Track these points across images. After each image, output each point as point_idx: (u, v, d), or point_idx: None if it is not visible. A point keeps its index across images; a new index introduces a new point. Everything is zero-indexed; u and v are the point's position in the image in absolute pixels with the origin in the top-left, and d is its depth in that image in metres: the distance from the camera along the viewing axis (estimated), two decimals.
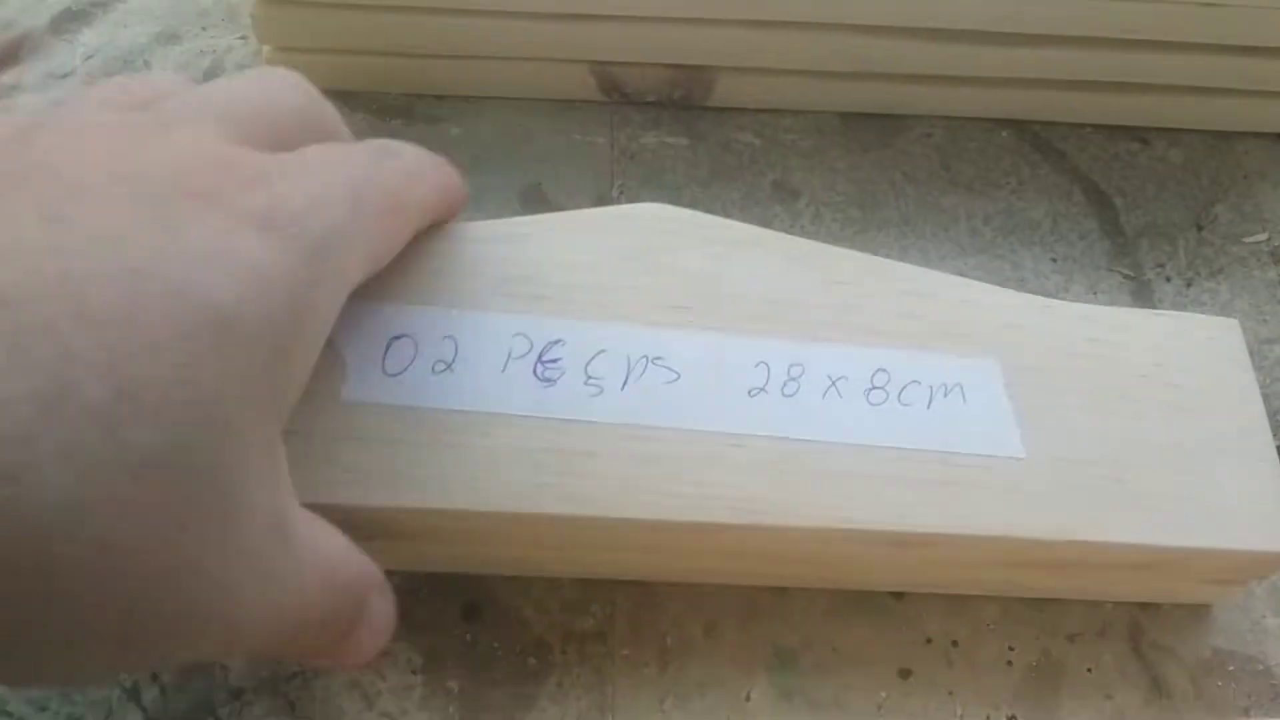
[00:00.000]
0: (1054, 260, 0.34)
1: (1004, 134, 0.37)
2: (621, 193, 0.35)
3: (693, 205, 0.33)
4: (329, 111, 0.24)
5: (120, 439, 0.15)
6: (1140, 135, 0.38)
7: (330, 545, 0.21)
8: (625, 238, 0.28)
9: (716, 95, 0.36)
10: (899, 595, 0.28)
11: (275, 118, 0.22)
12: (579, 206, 0.34)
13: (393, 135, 0.34)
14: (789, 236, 0.29)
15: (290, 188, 0.19)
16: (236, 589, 0.18)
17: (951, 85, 0.36)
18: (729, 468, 0.25)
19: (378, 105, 0.36)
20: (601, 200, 0.34)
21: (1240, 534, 0.26)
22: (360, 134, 0.34)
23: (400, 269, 0.25)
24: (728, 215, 0.34)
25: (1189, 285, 0.34)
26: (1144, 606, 0.29)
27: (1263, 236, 0.36)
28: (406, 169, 0.24)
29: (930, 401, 0.26)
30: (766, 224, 0.34)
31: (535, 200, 0.34)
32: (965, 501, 0.25)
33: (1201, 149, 0.37)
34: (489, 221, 0.28)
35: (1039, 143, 0.37)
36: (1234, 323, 0.29)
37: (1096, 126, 0.37)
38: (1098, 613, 0.29)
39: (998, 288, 0.29)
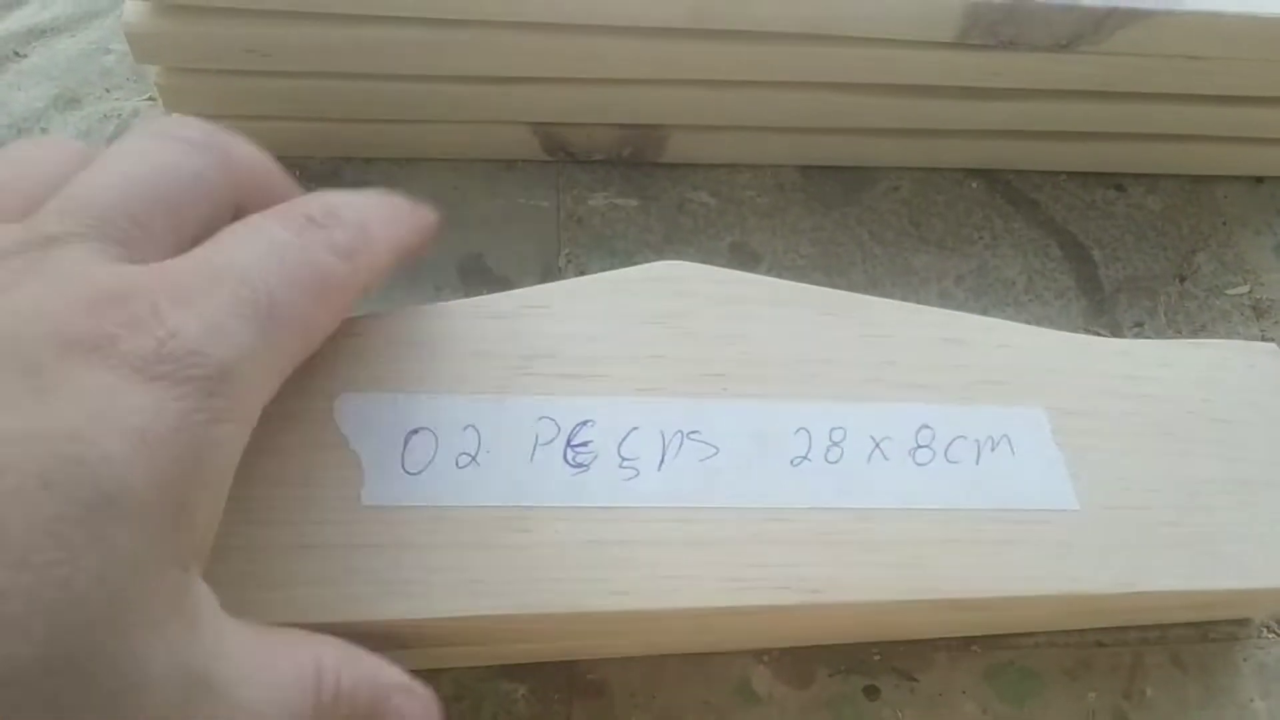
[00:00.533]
0: (1030, 324, 0.32)
1: (974, 185, 0.35)
2: (569, 261, 0.32)
3: None
4: (256, 166, 0.21)
5: None
6: (1116, 182, 0.36)
7: (294, 664, 0.19)
8: (645, 302, 0.26)
9: (669, 152, 0.34)
10: (875, 695, 0.26)
11: (176, 202, 0.19)
12: (524, 277, 0.32)
13: None
14: (813, 288, 0.27)
15: (184, 317, 0.17)
16: None
17: (918, 137, 0.34)
18: (776, 545, 0.24)
19: (300, 171, 0.33)
20: (548, 271, 0.32)
21: None
22: None
23: (410, 355, 0.24)
24: None
25: None
26: (1128, 695, 0.27)
27: (1244, 288, 0.34)
28: (343, 241, 0.20)
29: (979, 457, 0.26)
30: None
31: (476, 273, 0.32)
32: (1022, 561, 0.24)
33: (1180, 195, 0.36)
34: (499, 295, 0.26)
35: (1011, 193, 0.35)
36: (1273, 347, 0.29)
37: (1070, 174, 0.36)
38: (1081, 706, 0.27)
39: (1034, 328, 0.28)
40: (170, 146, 0.20)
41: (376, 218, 0.21)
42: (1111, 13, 0.30)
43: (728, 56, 0.31)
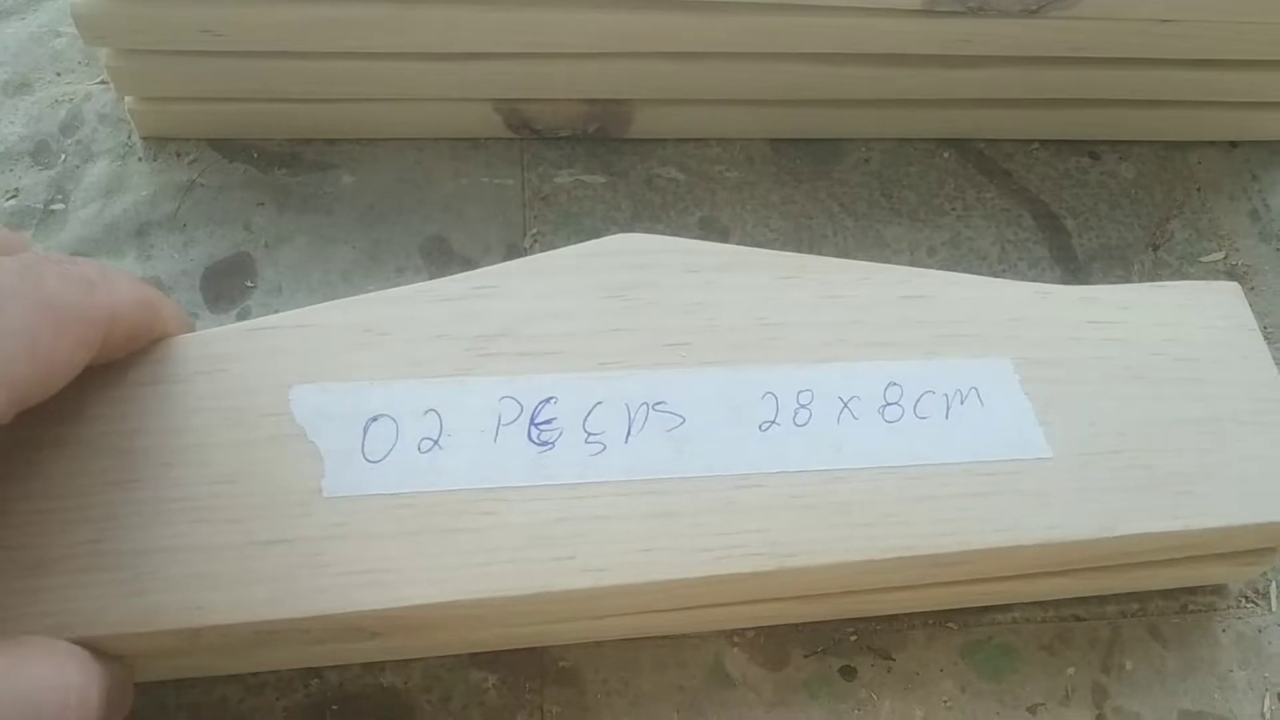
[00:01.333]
0: None
1: (946, 155, 0.35)
2: (536, 241, 0.32)
3: None
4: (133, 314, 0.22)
5: None
6: (1089, 149, 0.35)
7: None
8: (604, 276, 0.26)
9: (636, 127, 0.33)
10: (851, 676, 0.26)
11: None
12: (489, 258, 0.31)
13: (278, 186, 0.31)
14: (775, 253, 0.27)
15: None
16: None
17: (889, 107, 0.33)
18: (748, 512, 0.23)
19: (259, 154, 0.32)
20: (513, 250, 0.31)
21: (1274, 506, 0.25)
22: (242, 186, 0.31)
23: (366, 342, 0.24)
24: None
25: None
26: (1106, 669, 0.27)
27: (1219, 255, 0.34)
28: (76, 273, 0.21)
29: (948, 411, 0.25)
30: None
31: (439, 254, 0.31)
32: (999, 512, 0.24)
33: (1153, 161, 0.35)
34: (452, 278, 0.25)
35: (984, 163, 0.35)
36: (1235, 286, 0.29)
37: (1043, 142, 0.35)
38: (1059, 681, 0.27)
39: (994, 279, 0.28)
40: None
41: (123, 274, 0.22)
42: None
43: (693, 28, 0.30)
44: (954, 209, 0.33)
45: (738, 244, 0.32)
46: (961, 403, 0.25)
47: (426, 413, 0.23)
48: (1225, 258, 0.34)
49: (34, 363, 0.20)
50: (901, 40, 0.31)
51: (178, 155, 0.32)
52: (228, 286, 0.30)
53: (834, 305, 0.26)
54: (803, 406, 0.25)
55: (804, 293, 0.26)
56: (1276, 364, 0.27)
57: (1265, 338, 0.28)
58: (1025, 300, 0.27)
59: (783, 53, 0.31)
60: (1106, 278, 0.33)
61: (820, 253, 0.32)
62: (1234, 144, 0.36)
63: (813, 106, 0.33)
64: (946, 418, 0.25)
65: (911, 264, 0.32)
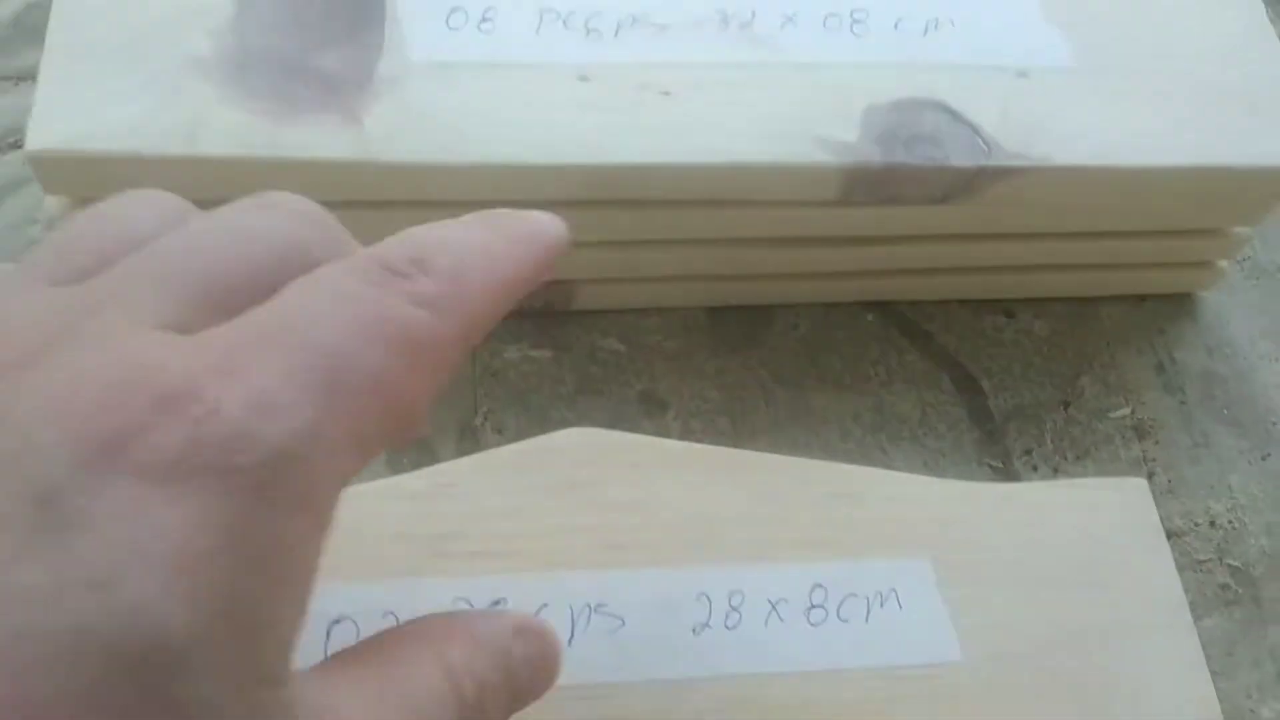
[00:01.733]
0: (925, 460, 0.34)
1: (870, 318, 0.37)
2: (486, 419, 0.34)
3: (560, 425, 0.33)
4: (329, 232, 0.19)
5: None
6: (1005, 308, 0.38)
7: (422, 688, 0.18)
8: (552, 473, 0.28)
9: (579, 300, 0.35)
10: None
11: (244, 270, 0.17)
12: (442, 439, 0.33)
13: None
14: (715, 449, 0.29)
15: (226, 392, 0.15)
16: None
17: (814, 279, 0.36)
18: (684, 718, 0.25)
19: None
20: (465, 431, 0.33)
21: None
22: None
23: (333, 544, 0.25)
24: None
25: (1055, 472, 0.35)
26: None
27: (1126, 410, 0.36)
28: (430, 291, 0.17)
29: (868, 614, 0.27)
30: None
31: None
32: (913, 716, 0.26)
33: (1066, 318, 0.38)
34: (408, 475, 0.27)
35: (905, 325, 0.37)
36: (1142, 482, 0.31)
37: (962, 301, 0.37)
38: None
39: (922, 477, 0.30)
40: (269, 215, 0.18)
41: (476, 258, 0.18)
42: (982, 170, 0.31)
43: (631, 222, 0.32)
44: (877, 374, 0.36)
45: (675, 416, 0.34)
46: (881, 605, 0.27)
47: (385, 615, 0.25)
48: (1132, 412, 0.36)
49: (397, 421, 0.17)
50: (821, 226, 0.33)
51: None
52: None
53: (766, 504, 0.28)
54: (734, 609, 0.27)
55: (739, 491, 0.28)
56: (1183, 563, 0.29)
57: (1170, 495, 0.30)
58: (948, 499, 0.29)
59: (713, 239, 0.34)
60: (1021, 437, 0.35)
61: (753, 425, 0.34)
62: (1142, 298, 0.38)
63: (744, 280, 0.35)
64: (867, 621, 0.27)
65: (839, 433, 0.34)
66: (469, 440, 0.33)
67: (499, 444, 0.33)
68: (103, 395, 0.15)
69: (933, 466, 0.34)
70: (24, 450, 0.14)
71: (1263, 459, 0.36)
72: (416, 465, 0.32)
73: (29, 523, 0.14)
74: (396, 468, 0.32)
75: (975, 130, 0.31)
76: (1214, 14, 0.34)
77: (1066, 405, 0.36)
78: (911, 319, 0.37)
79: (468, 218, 0.19)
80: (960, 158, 0.31)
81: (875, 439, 0.35)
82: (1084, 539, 0.29)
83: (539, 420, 0.34)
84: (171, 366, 0.15)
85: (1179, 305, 0.38)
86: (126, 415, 0.14)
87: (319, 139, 0.29)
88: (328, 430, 0.15)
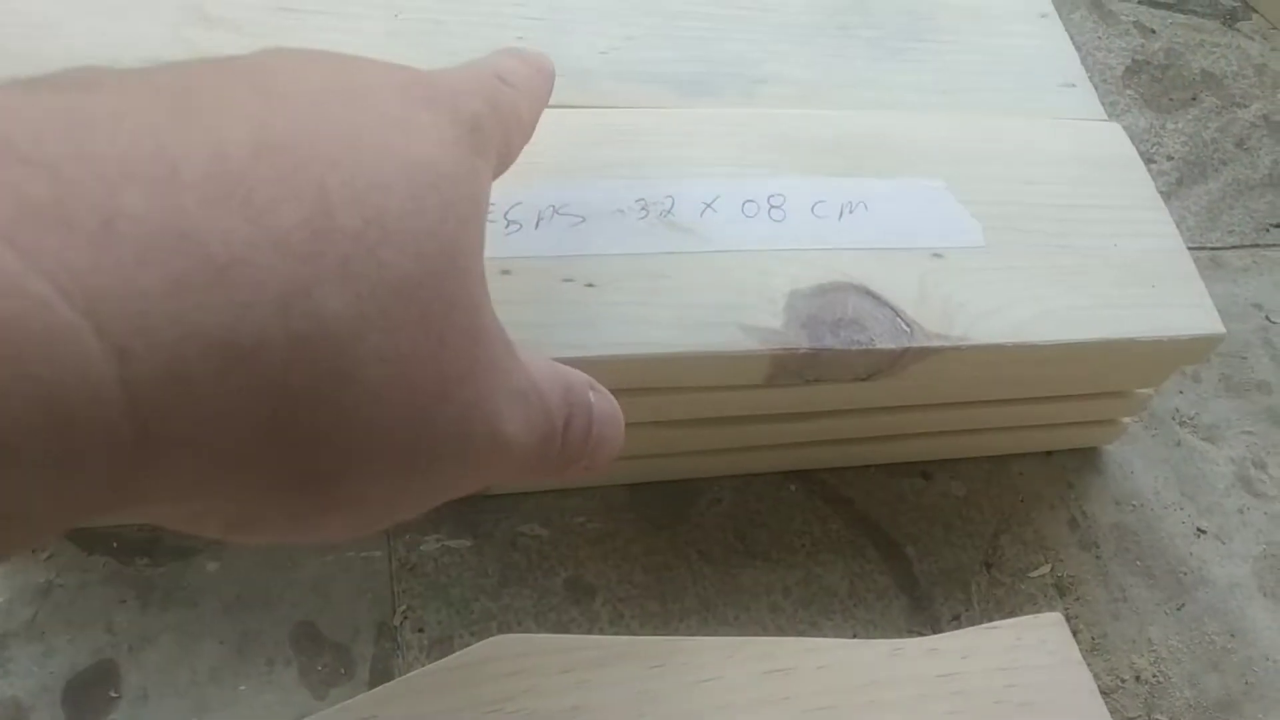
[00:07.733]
0: (855, 632, 0.34)
1: (793, 488, 0.37)
2: (406, 617, 0.32)
3: (484, 619, 0.32)
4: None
5: (378, 258, 0.17)
6: (922, 469, 0.38)
7: (540, 360, 0.22)
8: (480, 689, 0.27)
9: (496, 484, 0.34)
10: None
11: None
12: (360, 641, 0.31)
13: (140, 580, 0.31)
14: (639, 640, 0.28)
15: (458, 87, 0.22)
16: (496, 402, 0.19)
17: (737, 453, 0.35)
18: None
19: (119, 542, 0.32)
20: (383, 631, 0.32)
21: None
22: (103, 583, 0.31)
23: None
24: (522, 626, 0.32)
25: None
26: None
27: (1046, 568, 0.37)
28: (516, 98, 0.24)
29: None
30: (564, 630, 0.32)
31: (310, 641, 0.31)
32: None
33: (980, 478, 0.38)
34: (330, 711, 0.26)
35: (827, 492, 0.37)
36: (1058, 616, 0.32)
37: (880, 466, 0.38)
38: None
39: (851, 641, 0.30)
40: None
41: (528, 85, 0.25)
42: (905, 352, 0.32)
43: None
44: (804, 545, 0.35)
45: (603, 603, 0.33)
46: None
47: None
48: (1051, 569, 0.37)
49: (503, 164, 0.24)
50: (748, 406, 0.33)
51: (33, 552, 0.31)
52: (91, 698, 0.29)
53: (702, 690, 0.28)
54: None
55: (673, 679, 0.28)
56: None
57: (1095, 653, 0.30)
58: (879, 661, 0.29)
59: (639, 422, 0.33)
60: (949, 602, 0.35)
61: (682, 604, 0.33)
62: (1049, 453, 0.39)
63: (666, 457, 0.35)
64: None
65: (769, 608, 0.34)
66: (387, 641, 0.32)
67: (419, 643, 0.32)
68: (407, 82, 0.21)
69: (864, 638, 0.34)
70: (457, 95, 0.21)
71: (1178, 609, 0.36)
72: (333, 673, 0.31)
73: (374, 122, 0.19)
74: (311, 680, 0.30)
75: (897, 312, 0.31)
76: (1109, 190, 0.35)
77: (989, 566, 0.36)
78: (832, 485, 0.37)
79: (520, 55, 0.26)
80: (884, 340, 0.31)
81: (807, 612, 0.34)
82: (1012, 682, 0.30)
83: (461, 615, 0.32)
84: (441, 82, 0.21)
85: (1084, 458, 0.39)
86: (420, 90, 0.20)
87: None
88: (493, 127, 0.22)
